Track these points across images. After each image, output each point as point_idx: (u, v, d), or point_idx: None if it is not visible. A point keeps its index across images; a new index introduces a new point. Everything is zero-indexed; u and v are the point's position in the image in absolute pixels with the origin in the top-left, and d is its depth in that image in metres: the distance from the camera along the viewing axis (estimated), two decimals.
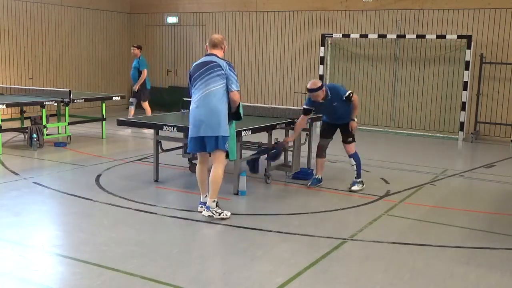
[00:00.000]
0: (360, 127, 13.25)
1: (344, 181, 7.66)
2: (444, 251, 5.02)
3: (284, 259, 4.64)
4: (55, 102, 10.05)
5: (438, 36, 12.18)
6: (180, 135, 7.60)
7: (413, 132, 12.75)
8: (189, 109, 8.62)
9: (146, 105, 12.22)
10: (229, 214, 5.71)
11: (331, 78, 13.65)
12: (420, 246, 5.10)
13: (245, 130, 6.48)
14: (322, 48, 13.28)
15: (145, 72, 12.00)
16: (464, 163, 9.72)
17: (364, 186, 7.18)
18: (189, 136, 5.79)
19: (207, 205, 5.73)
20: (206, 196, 5.90)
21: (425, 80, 12.74)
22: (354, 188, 7.11)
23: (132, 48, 12.27)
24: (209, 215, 5.68)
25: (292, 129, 7.44)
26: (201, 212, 5.84)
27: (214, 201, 5.69)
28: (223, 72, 5.60)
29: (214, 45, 5.79)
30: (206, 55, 5.83)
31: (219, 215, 5.66)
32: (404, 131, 12.89)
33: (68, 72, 14.73)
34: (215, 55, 5.75)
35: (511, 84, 11.99)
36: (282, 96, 14.45)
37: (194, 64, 5.83)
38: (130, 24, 16.65)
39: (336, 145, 11.38)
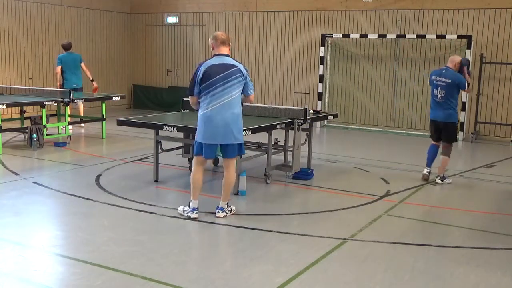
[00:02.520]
0: (360, 127, 13.29)
1: (344, 181, 7.67)
2: (444, 251, 5.02)
3: (284, 259, 4.64)
4: (55, 102, 10.05)
5: (438, 36, 12.19)
6: (180, 135, 7.60)
7: (413, 132, 12.75)
8: (189, 109, 8.64)
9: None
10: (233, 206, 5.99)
11: (331, 78, 13.66)
12: (420, 246, 5.10)
13: (245, 130, 6.47)
14: (322, 48, 13.29)
15: (57, 70, 11.66)
16: (464, 163, 9.72)
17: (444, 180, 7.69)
18: (205, 143, 5.54)
19: (220, 206, 5.77)
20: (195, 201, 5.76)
21: (425, 80, 12.71)
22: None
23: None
24: (224, 216, 5.74)
25: (292, 129, 7.44)
26: (195, 218, 5.66)
27: (228, 203, 5.84)
28: (243, 78, 5.56)
29: (223, 42, 5.55)
30: (220, 55, 5.53)
31: (231, 212, 5.85)
32: (404, 131, 12.89)
33: None
34: (229, 55, 5.61)
35: (511, 84, 11.99)
36: (282, 96, 14.45)
37: (211, 64, 5.46)
38: (130, 24, 16.65)
39: (336, 145, 11.39)
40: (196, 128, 5.89)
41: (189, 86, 5.62)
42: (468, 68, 8.06)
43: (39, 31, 13.96)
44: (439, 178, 7.68)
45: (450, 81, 7.47)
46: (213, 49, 5.58)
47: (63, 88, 11.70)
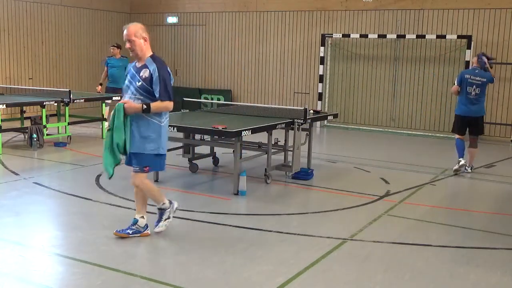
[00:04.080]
0: (360, 127, 13.30)
1: (344, 181, 7.67)
2: (444, 251, 5.02)
3: (284, 259, 4.64)
4: (55, 102, 10.05)
5: (438, 36, 12.19)
6: (180, 135, 7.59)
7: (413, 132, 12.75)
8: (189, 109, 8.65)
9: None
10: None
11: (331, 78, 13.66)
12: (420, 246, 5.10)
13: (245, 130, 6.48)
14: (322, 48, 13.29)
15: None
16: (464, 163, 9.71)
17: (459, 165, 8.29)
18: (165, 153, 5.03)
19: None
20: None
21: (425, 80, 12.74)
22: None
23: (112, 48, 11.95)
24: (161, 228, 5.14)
25: (292, 129, 7.44)
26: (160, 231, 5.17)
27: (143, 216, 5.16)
28: None
29: None
30: None
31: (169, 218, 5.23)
32: (404, 131, 12.89)
33: (68, 72, 14.73)
34: None
35: (511, 84, 11.99)
36: (282, 96, 14.45)
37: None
38: None
39: (336, 145, 11.38)
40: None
41: (166, 90, 4.76)
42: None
43: (39, 31, 13.96)
44: (470, 168, 8.38)
45: (485, 79, 8.22)
46: (145, 42, 4.79)
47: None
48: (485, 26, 12.02)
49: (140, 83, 4.76)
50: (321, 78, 13.41)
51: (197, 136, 7.77)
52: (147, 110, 4.70)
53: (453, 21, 12.32)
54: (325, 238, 5.19)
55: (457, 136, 8.52)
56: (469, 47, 11.67)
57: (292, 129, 7.45)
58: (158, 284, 4.06)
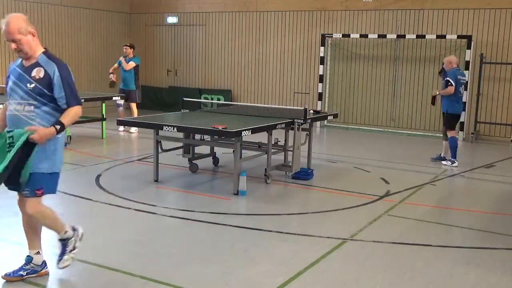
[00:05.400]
0: (360, 127, 13.30)
1: (344, 181, 7.67)
2: (444, 251, 5.02)
3: (284, 259, 4.64)
4: None
5: (438, 36, 12.19)
6: (180, 135, 7.60)
7: (413, 132, 12.75)
8: (189, 109, 8.65)
9: (135, 106, 12.05)
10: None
11: (331, 78, 13.66)
12: (420, 246, 5.10)
13: (245, 130, 6.48)
14: (322, 48, 13.29)
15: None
16: (464, 163, 9.72)
17: (452, 164, 8.75)
18: (60, 171, 4.36)
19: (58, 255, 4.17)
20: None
21: (425, 80, 12.74)
22: (443, 162, 8.95)
23: (124, 47, 11.87)
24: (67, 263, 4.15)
25: (292, 129, 7.44)
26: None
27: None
28: None
29: None
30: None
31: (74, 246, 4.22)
32: (404, 131, 12.89)
33: None
34: None
35: (511, 84, 11.99)
36: (282, 96, 14.45)
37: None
38: (130, 24, 16.65)
39: (336, 145, 11.39)
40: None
41: (73, 94, 3.96)
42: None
43: (39, 31, 13.76)
44: (451, 162, 8.82)
45: (466, 78, 9.03)
46: (33, 38, 4.05)
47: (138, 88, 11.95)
48: (485, 26, 12.02)
49: (32, 85, 3.82)
50: (321, 78, 13.41)
51: (197, 136, 7.77)
52: (61, 130, 4.00)
53: (453, 21, 12.32)
54: (325, 238, 5.19)
55: (453, 134, 8.86)
56: (469, 47, 11.67)
57: (292, 129, 7.45)
58: (158, 284, 4.06)
